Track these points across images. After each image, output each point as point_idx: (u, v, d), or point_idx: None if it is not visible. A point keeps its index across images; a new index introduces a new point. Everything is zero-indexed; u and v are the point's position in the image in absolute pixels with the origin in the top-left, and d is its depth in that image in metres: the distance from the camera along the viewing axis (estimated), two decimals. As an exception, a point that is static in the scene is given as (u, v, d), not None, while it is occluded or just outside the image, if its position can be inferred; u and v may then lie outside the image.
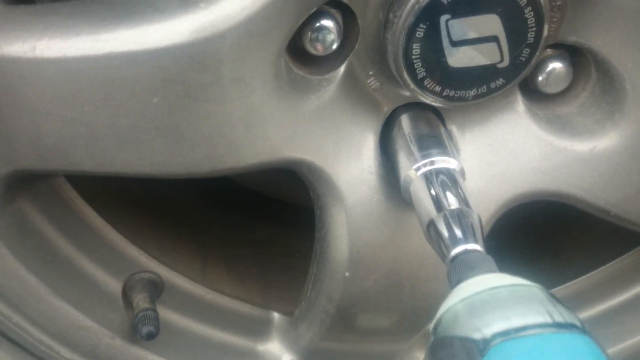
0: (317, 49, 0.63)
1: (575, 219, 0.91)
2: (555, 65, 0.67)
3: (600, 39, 0.64)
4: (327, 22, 0.61)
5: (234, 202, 0.99)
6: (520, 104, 0.69)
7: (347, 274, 0.69)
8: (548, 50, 0.67)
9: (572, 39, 0.65)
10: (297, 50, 0.63)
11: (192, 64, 0.51)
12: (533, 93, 0.69)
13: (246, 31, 0.52)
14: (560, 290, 0.89)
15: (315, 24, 0.61)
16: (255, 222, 0.99)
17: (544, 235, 0.95)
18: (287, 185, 0.98)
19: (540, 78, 0.67)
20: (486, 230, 0.71)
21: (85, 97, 0.53)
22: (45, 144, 0.56)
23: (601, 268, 0.88)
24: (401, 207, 0.69)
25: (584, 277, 0.88)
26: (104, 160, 0.56)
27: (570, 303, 0.87)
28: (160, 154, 0.55)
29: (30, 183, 0.65)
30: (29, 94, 0.53)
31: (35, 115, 0.54)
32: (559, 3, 0.63)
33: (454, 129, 0.69)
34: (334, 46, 0.62)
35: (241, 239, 0.93)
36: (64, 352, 0.69)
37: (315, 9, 0.59)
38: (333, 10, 0.62)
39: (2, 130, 0.56)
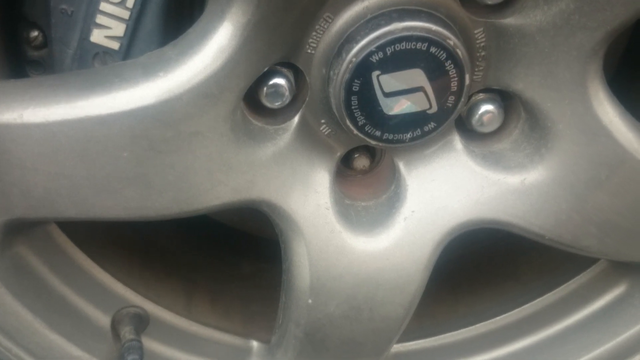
0: (272, 103, 0.71)
1: (535, 245, 0.98)
2: (487, 108, 0.76)
3: (521, 83, 0.72)
4: (280, 80, 0.70)
5: (220, 241, 1.07)
6: (458, 142, 0.77)
7: (310, 300, 0.76)
8: (480, 94, 0.76)
9: (498, 84, 0.73)
10: (255, 104, 0.72)
11: (155, 122, 0.60)
12: (469, 132, 0.77)
13: (200, 93, 0.61)
14: (519, 312, 0.95)
15: (268, 81, 0.70)
16: (241, 258, 1.06)
17: (506, 261, 1.02)
18: (270, 223, 1.06)
19: (474, 119, 0.76)
20: (435, 257, 0.78)
21: (66, 154, 0.62)
22: (34, 195, 0.65)
23: (557, 289, 0.95)
24: (355, 238, 0.77)
25: (541, 298, 0.95)
26: (85, 207, 0.65)
27: (528, 324, 0.94)
28: (132, 200, 0.64)
29: (26, 230, 0.74)
30: (18, 153, 0.63)
31: (25, 171, 0.63)
32: (483, 54, 0.72)
33: (401, 165, 0.78)
34: (287, 100, 0.71)
35: (227, 274, 1.00)
36: (59, 380, 0.77)
37: (266, 69, 0.68)
38: (285, 70, 0.71)
39: (-2, 186, 0.66)
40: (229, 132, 0.66)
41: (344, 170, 0.81)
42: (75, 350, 0.77)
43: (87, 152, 0.62)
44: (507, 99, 0.76)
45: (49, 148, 0.62)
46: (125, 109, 0.60)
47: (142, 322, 0.84)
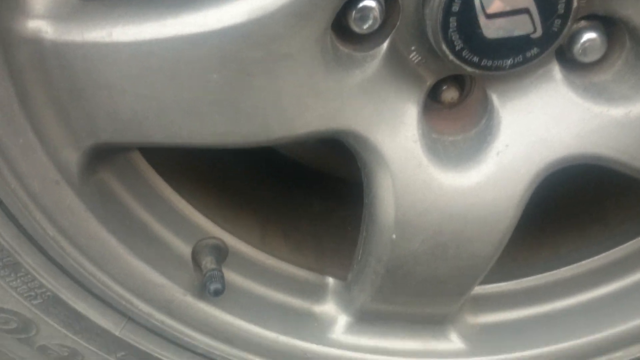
0: (361, 28, 0.67)
1: (624, 189, 0.93)
2: (590, 36, 0.70)
3: (631, 9, 0.66)
4: (370, 3, 0.66)
5: (290, 178, 1.05)
6: (557, 72, 0.72)
7: (394, 236, 0.74)
8: (582, 21, 0.70)
9: (605, 10, 0.67)
10: (343, 29, 0.68)
11: (246, 42, 0.57)
12: (570, 62, 0.72)
13: (292, 12, 0.58)
14: (605, 256, 0.91)
15: (358, 4, 0.66)
16: (311, 197, 1.05)
17: (594, 204, 0.97)
18: (342, 161, 1.04)
19: (576, 48, 0.70)
20: (528, 194, 0.75)
21: (154, 75, 0.60)
22: (121, 118, 0.64)
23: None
24: (444, 173, 0.74)
25: (628, 243, 0.90)
26: (172, 131, 0.63)
27: (614, 269, 0.90)
28: (220, 125, 0.62)
29: (109, 156, 0.73)
30: (106, 74, 0.61)
31: (112, 92, 0.62)
32: (591, -24, 0.66)
33: (494, 97, 0.73)
34: (377, 25, 0.67)
35: (298, 212, 0.99)
36: (142, 306, 0.77)
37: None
38: (374, -10, 0.67)
39: (85, 107, 0.65)
40: (319, 55, 0.63)
41: (430, 103, 0.77)
42: (157, 277, 0.77)
43: (176, 74, 0.60)
44: (611, 27, 0.70)
45: (137, 68, 0.60)
46: (216, 27, 0.57)
47: (221, 253, 0.83)
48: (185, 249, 0.81)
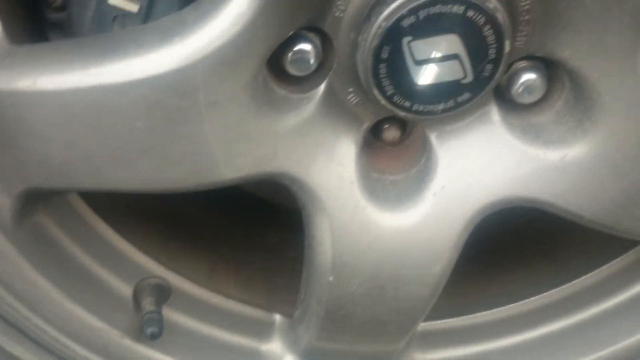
0: (297, 71, 0.68)
1: (574, 224, 0.93)
2: (529, 77, 0.70)
3: (568, 51, 0.66)
4: (305, 46, 0.66)
5: (245, 209, 1.04)
6: (496, 114, 0.72)
7: (331, 278, 0.74)
8: (522, 62, 0.70)
9: (543, 51, 0.68)
10: (279, 71, 0.68)
11: (170, 91, 0.57)
12: (509, 103, 0.72)
13: (217, 61, 0.57)
14: (554, 293, 0.91)
15: (294, 47, 0.66)
16: (267, 228, 1.04)
17: (543, 240, 0.98)
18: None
19: (514, 89, 0.70)
20: (465, 236, 0.75)
21: (80, 123, 0.60)
22: (51, 164, 0.63)
23: (596, 271, 0.90)
24: (381, 214, 0.73)
25: (577, 280, 0.90)
26: (100, 178, 0.63)
27: (563, 306, 0.90)
28: (147, 171, 0.62)
29: (45, 199, 0.73)
30: (33, 121, 0.61)
31: (40, 140, 0.61)
32: (527, 17, 0.67)
33: (433, 138, 0.73)
34: (313, 67, 0.67)
35: (251, 245, 0.99)
36: (79, 349, 0.76)
37: (291, 34, 0.64)
38: (311, 34, 0.67)
39: (15, 154, 0.64)
40: (250, 101, 0.62)
41: (373, 141, 0.77)
42: (94, 321, 0.76)
43: (101, 122, 0.59)
44: (550, 68, 0.71)
45: (63, 116, 0.60)
46: (139, 77, 0.57)
47: (164, 292, 0.83)
48: (126, 289, 0.80)
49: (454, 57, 0.64)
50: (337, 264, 0.73)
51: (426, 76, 0.65)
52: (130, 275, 0.81)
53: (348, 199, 0.72)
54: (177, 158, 0.62)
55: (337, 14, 0.65)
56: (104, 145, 0.61)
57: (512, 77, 0.71)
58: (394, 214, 0.73)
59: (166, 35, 0.56)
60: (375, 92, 0.66)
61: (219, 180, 0.64)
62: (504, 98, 0.72)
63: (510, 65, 0.70)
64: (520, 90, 0.70)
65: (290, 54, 0.66)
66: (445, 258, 0.74)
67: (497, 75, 0.65)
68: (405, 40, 0.63)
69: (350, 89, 0.70)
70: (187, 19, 0.57)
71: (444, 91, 0.66)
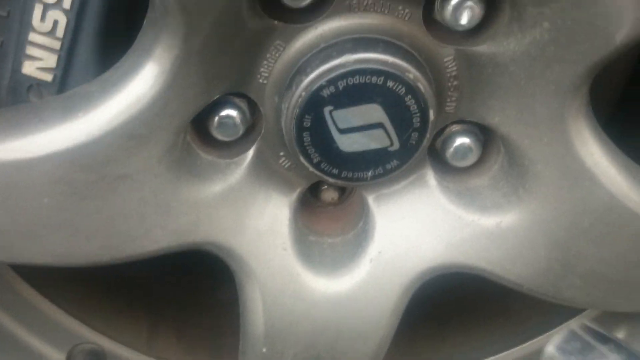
0: (224, 136, 0.66)
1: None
2: (463, 140, 0.68)
3: (497, 117, 0.65)
4: (231, 112, 0.65)
5: (192, 264, 1.01)
6: (431, 177, 0.70)
7: (264, 349, 0.71)
8: (455, 125, 0.69)
9: (473, 116, 0.66)
10: (206, 136, 0.67)
11: (75, 167, 0.55)
12: (444, 166, 0.70)
13: (124, 135, 0.56)
14: (509, 354, 0.88)
15: (219, 112, 0.65)
16: (216, 282, 1.01)
17: (497, 297, 0.94)
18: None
19: (449, 152, 0.69)
20: (403, 303, 0.72)
21: (-12, 199, 0.58)
22: (-37, 238, 0.61)
23: (552, 331, 0.87)
24: (316, 280, 0.71)
25: (533, 340, 0.88)
26: (13, 252, 0.61)
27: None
28: (59, 246, 0.60)
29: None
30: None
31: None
32: (455, 83, 0.65)
33: (370, 200, 0.71)
34: (240, 133, 0.66)
35: (198, 302, 0.96)
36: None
37: (216, 99, 0.62)
38: (237, 100, 0.65)
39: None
40: (165, 172, 0.60)
41: (312, 201, 0.75)
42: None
43: (8, 198, 0.57)
44: (486, 132, 0.69)
45: (-30, 192, 0.58)
46: (42, 153, 0.55)
47: (98, 359, 0.80)
48: (58, 356, 0.78)
49: (378, 125, 0.62)
50: (270, 335, 0.70)
51: (351, 144, 0.63)
52: (63, 342, 0.78)
53: (280, 266, 0.70)
54: (88, 233, 0.59)
55: (261, 80, 0.63)
56: (13, 221, 0.59)
57: (446, 141, 0.69)
58: (329, 281, 0.71)
59: (69, 110, 0.55)
60: (302, 159, 0.64)
61: (136, 254, 0.62)
62: (440, 161, 0.70)
63: (444, 129, 0.68)
64: (454, 153, 0.69)
65: (216, 119, 0.65)
66: (384, 326, 0.71)
67: (425, 142, 0.63)
68: (327, 109, 0.61)
69: (282, 153, 0.68)
70: (92, 92, 0.55)
71: (372, 159, 0.64)
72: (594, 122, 0.62)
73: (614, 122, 0.82)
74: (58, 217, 0.58)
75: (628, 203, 0.63)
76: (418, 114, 0.61)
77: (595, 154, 0.62)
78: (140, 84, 0.55)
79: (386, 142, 0.63)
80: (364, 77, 0.59)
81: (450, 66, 0.64)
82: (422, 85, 0.60)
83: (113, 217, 0.59)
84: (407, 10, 0.59)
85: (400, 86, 0.59)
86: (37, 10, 0.58)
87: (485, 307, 0.93)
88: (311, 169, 0.65)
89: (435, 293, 0.78)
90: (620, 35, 0.53)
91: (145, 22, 0.55)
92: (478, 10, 0.58)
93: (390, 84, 0.59)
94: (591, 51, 0.55)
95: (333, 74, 0.59)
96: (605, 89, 0.71)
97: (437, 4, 0.60)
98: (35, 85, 0.63)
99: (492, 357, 0.89)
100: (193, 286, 0.97)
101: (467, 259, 0.69)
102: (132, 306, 0.87)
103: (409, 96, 0.60)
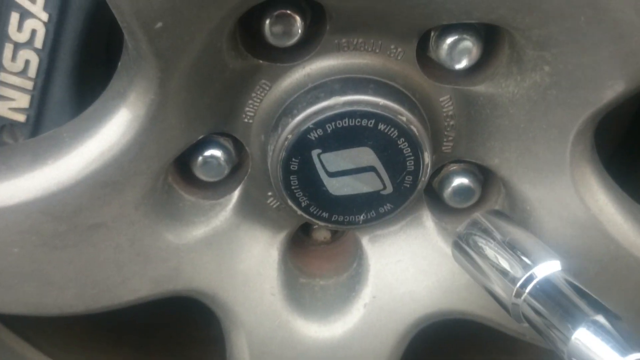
0: (208, 176, 0.63)
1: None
2: (462, 181, 0.65)
3: (497, 159, 0.61)
4: (215, 152, 0.62)
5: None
6: (428, 218, 0.67)
7: (251, 399, 0.67)
8: (453, 165, 0.65)
9: (471, 156, 0.63)
10: (189, 177, 0.63)
11: (44, 216, 0.52)
12: (442, 207, 0.67)
13: (97, 182, 0.53)
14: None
15: (203, 152, 0.62)
16: (206, 317, 0.97)
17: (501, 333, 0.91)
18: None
19: (446, 193, 0.65)
20: (399, 351, 0.68)
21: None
22: None
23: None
24: (306, 326, 0.67)
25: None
26: (-16, 301, 0.58)
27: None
28: (31, 296, 0.57)
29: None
30: None
31: None
32: (452, 123, 0.62)
33: (364, 242, 0.68)
34: (225, 173, 0.63)
35: (187, 338, 0.92)
36: None
37: (201, 139, 0.59)
38: (222, 139, 0.62)
39: None
40: (143, 217, 0.57)
41: (303, 240, 0.72)
42: None
43: (-24, 247, 0.55)
44: (485, 172, 0.65)
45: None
46: (10, 203, 0.52)
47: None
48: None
49: (370, 169, 0.59)
50: (256, 385, 0.67)
51: (341, 188, 0.59)
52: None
53: (268, 312, 0.66)
54: (61, 283, 0.56)
55: (246, 119, 0.60)
56: (-17, 271, 0.56)
57: (444, 181, 0.66)
58: (321, 326, 0.68)
59: (39, 157, 0.52)
60: (290, 203, 0.60)
61: (114, 304, 0.59)
62: (437, 201, 0.67)
63: (441, 168, 0.65)
64: (452, 194, 0.65)
65: (199, 159, 0.62)
66: (378, 376, 0.68)
67: (419, 186, 0.60)
68: (315, 152, 0.57)
69: (270, 193, 0.64)
70: (63, 138, 0.52)
71: (363, 202, 0.60)
72: (599, 166, 0.59)
73: (618, 156, 0.79)
74: (29, 267, 0.55)
75: (635, 252, 0.59)
76: (412, 157, 0.58)
77: (600, 201, 0.58)
78: (114, 129, 0.51)
79: (378, 186, 0.60)
80: (353, 120, 0.56)
81: (446, 106, 0.60)
82: (416, 127, 0.56)
83: (87, 267, 0.56)
84: (399, 49, 0.56)
85: (392, 129, 0.56)
86: (8, 50, 0.55)
87: (489, 344, 0.89)
88: (300, 212, 0.61)
89: (438, 329, 0.74)
90: (626, 81, 0.49)
91: (119, 65, 0.52)
92: (475, 50, 0.55)
93: (381, 127, 0.56)
94: (595, 96, 0.51)
95: (321, 117, 0.55)
96: (609, 127, 0.67)
97: (432, 42, 0.57)
98: (8, 125, 0.60)
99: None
100: (180, 321, 0.93)
101: (466, 305, 0.65)
102: (116, 343, 0.83)
103: (402, 139, 0.57)
